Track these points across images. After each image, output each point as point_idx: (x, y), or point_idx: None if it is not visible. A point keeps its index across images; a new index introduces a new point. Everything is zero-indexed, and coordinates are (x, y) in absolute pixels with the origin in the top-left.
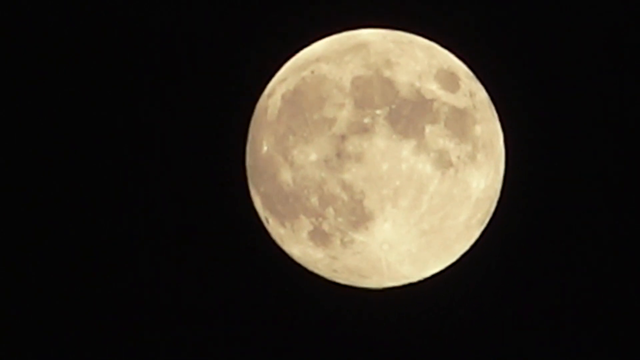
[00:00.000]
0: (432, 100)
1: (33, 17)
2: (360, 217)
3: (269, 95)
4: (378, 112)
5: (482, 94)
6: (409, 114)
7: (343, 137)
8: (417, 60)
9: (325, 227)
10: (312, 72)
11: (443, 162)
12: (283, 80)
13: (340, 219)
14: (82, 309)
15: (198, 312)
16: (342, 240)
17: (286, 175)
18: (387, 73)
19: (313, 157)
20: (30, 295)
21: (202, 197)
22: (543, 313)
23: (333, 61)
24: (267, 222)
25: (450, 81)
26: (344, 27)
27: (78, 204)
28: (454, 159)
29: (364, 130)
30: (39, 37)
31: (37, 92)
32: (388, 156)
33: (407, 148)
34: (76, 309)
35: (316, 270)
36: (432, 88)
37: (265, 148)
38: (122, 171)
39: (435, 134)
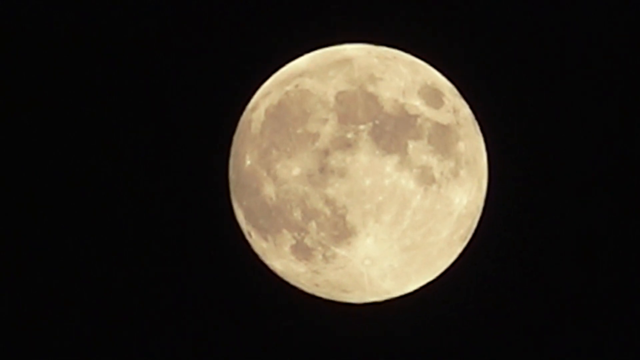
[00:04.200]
0: (415, 116)
1: (30, 16)
2: (342, 232)
3: (253, 109)
4: (361, 127)
5: (465, 110)
6: (393, 130)
7: (326, 152)
8: (401, 76)
9: (308, 241)
10: (296, 86)
11: (426, 178)
12: (267, 94)
13: (322, 234)
14: (65, 322)
15: (179, 325)
16: (324, 255)
17: (269, 190)
18: (371, 88)
19: (296, 171)
20: (19, 299)
21: (184, 210)
22: (525, 329)
23: (317, 76)
24: (250, 236)
25: (434, 97)
26: (328, 42)
27: (60, 220)
28: (437, 175)
29: (347, 145)
30: (33, 35)
31: (25, 92)
32: (371, 171)
33: (390, 164)
34: (59, 320)
35: (298, 285)
36: (416, 104)
37: (248, 162)
38: (104, 184)
39: (419, 150)
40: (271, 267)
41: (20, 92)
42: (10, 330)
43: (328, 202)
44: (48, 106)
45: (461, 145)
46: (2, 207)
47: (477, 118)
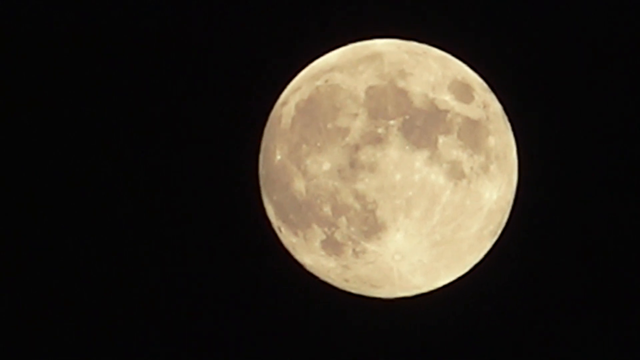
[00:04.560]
0: (445, 111)
1: (54, 18)
2: (372, 227)
3: (283, 104)
4: (391, 122)
5: (495, 105)
6: (423, 125)
7: (356, 147)
8: (431, 71)
9: (338, 236)
10: (326, 81)
11: (456, 173)
12: (297, 89)
13: (352, 229)
14: (85, 318)
15: (209, 320)
16: (354, 250)
17: (299, 185)
18: (401, 83)
19: (326, 166)
20: (36, 294)
21: (214, 205)
22: (554, 324)
23: (347, 71)
24: (280, 231)
25: (464, 92)
26: (358, 37)
27: (90, 217)
28: (466, 170)
29: (378, 140)
30: (57, 40)
31: (50, 96)
32: (401, 166)
33: (420, 159)
34: (80, 314)
35: (328, 280)
36: (446, 99)
37: (278, 157)
38: (135, 180)
39: (449, 145)
40: (301, 262)
41: (46, 92)
42: (20, 330)
43: (358, 197)
44: (75, 99)
45: (491, 140)
46: (28, 208)
47: (507, 113)
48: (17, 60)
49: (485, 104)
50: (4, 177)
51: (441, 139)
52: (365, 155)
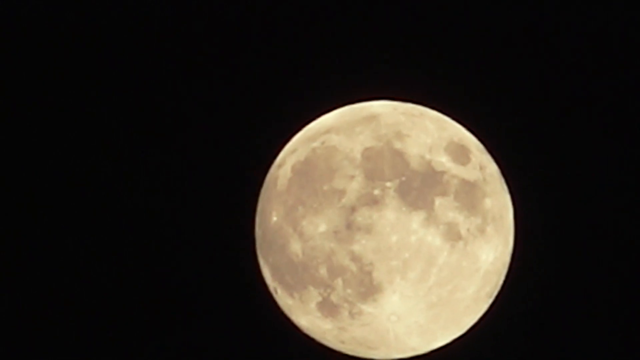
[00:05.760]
0: (442, 173)
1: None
2: (368, 289)
3: (279, 166)
4: (388, 184)
5: (492, 167)
6: (419, 186)
7: (353, 209)
8: (427, 133)
9: (334, 298)
10: (323, 143)
11: (452, 234)
12: (293, 151)
13: (348, 290)
14: None
15: None
16: (350, 312)
17: (295, 246)
18: (397, 145)
19: (322, 228)
20: (18, 295)
21: (210, 267)
22: None
23: (344, 132)
24: (276, 292)
25: (460, 154)
26: (355, 98)
27: (89, 269)
28: (463, 232)
29: (374, 202)
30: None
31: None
32: (397, 228)
33: (416, 220)
34: None
35: (324, 341)
36: (443, 160)
37: (274, 218)
38: (132, 241)
39: (445, 207)
40: (297, 324)
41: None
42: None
43: (354, 258)
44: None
45: (488, 202)
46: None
47: (503, 175)
48: (19, 61)
49: (481, 166)
50: (4, 177)
51: (438, 201)
52: (362, 216)
